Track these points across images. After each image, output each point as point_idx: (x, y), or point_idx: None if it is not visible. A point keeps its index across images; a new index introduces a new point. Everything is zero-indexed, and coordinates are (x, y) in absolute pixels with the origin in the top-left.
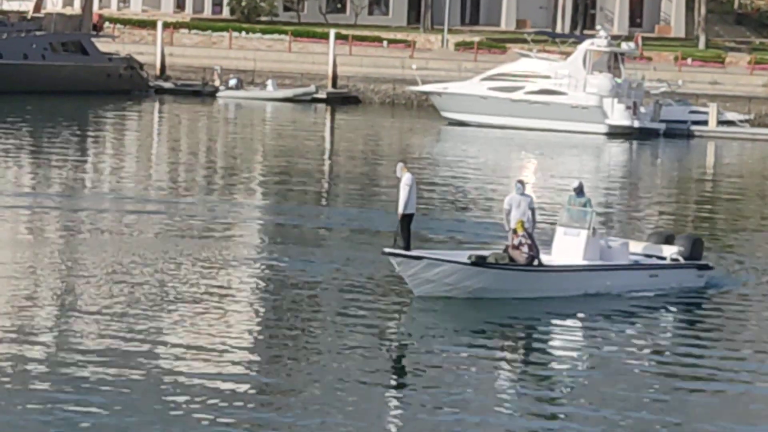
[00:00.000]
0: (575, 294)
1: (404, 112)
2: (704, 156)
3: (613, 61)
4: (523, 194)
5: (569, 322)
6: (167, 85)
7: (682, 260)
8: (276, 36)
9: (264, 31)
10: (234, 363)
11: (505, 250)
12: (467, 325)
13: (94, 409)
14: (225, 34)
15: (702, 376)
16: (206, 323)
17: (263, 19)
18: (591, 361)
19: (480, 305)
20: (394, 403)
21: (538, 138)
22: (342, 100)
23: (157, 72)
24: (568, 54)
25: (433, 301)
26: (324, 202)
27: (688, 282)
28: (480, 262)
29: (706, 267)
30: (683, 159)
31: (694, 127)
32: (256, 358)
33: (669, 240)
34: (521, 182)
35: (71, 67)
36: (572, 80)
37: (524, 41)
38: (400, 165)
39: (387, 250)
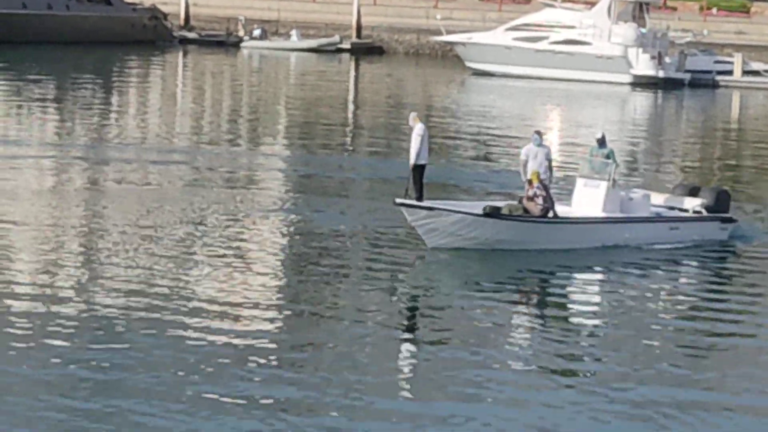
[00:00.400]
0: (592, 246)
1: (428, 63)
2: (729, 106)
3: (638, 11)
4: (540, 145)
5: (585, 274)
6: (191, 35)
7: (704, 212)
8: None
9: None
10: (253, 318)
11: (520, 201)
12: (481, 277)
13: (118, 362)
14: None
15: (720, 331)
16: (227, 275)
17: None
18: (608, 314)
19: (494, 257)
20: (409, 357)
21: (562, 88)
22: (366, 50)
23: (182, 22)
24: (592, 4)
25: (446, 253)
26: (348, 152)
27: (711, 235)
28: (493, 213)
29: (730, 219)
30: (708, 109)
31: (719, 77)
32: (273, 312)
33: (694, 192)
34: (539, 133)
35: (95, 18)
36: (597, 30)
37: None
38: (412, 114)
39: (398, 200)
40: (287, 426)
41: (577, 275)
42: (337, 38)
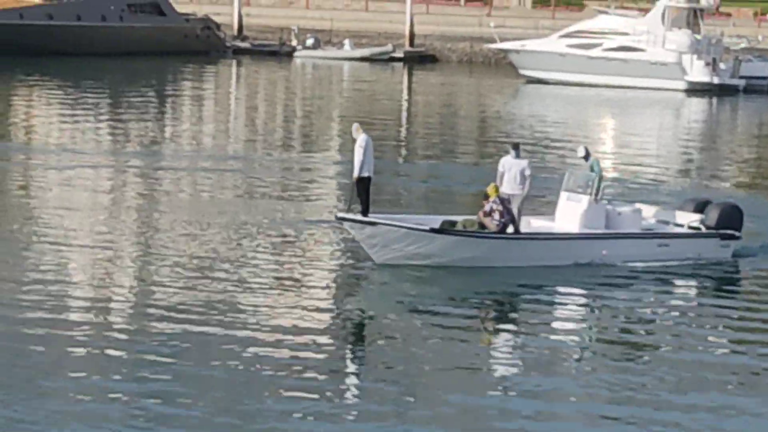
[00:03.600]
0: (563, 264)
1: (482, 71)
2: None
3: (692, 17)
4: (517, 158)
5: (543, 294)
6: (244, 45)
7: (703, 228)
8: None
9: None
10: (285, 331)
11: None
12: (428, 297)
13: (167, 386)
14: None
15: (674, 357)
16: (274, 290)
17: None
18: (552, 336)
19: (446, 275)
20: (355, 380)
21: (616, 95)
22: (419, 58)
23: (235, 32)
24: (646, 10)
25: (395, 270)
26: (401, 160)
27: (709, 253)
28: (440, 228)
29: (731, 236)
30: (763, 116)
31: None
32: (284, 325)
33: (701, 207)
34: (516, 145)
35: (148, 29)
36: (651, 36)
37: None
38: (355, 126)
39: (340, 215)
40: None
41: (535, 295)
42: (389, 47)
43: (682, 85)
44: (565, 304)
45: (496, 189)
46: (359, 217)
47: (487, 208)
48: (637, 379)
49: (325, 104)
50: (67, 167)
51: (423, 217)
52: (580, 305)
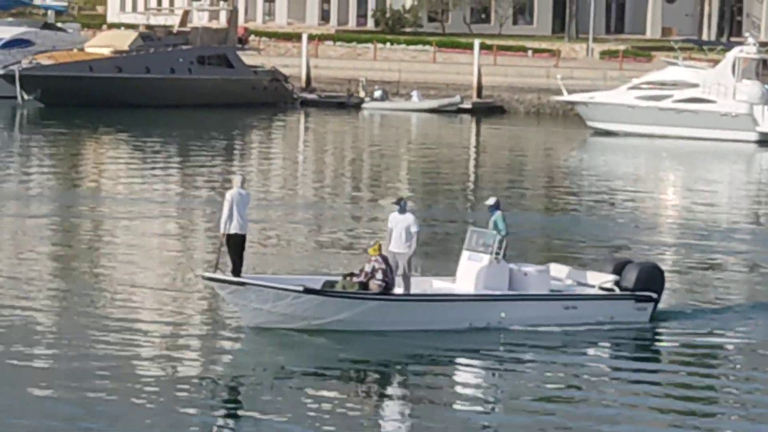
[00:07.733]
0: (456, 327)
1: (549, 122)
2: None
3: (762, 68)
4: (404, 213)
5: (432, 360)
6: (312, 96)
7: (617, 289)
8: (420, 47)
9: (408, 42)
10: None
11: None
12: (305, 363)
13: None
14: (370, 45)
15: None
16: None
17: (408, 30)
18: (441, 407)
19: (329, 339)
20: None
21: (686, 147)
22: (487, 110)
23: (303, 84)
24: (715, 62)
25: (269, 334)
26: (470, 210)
27: (624, 315)
28: (313, 289)
29: (648, 299)
30: None
31: None
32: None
33: (621, 267)
34: (400, 200)
35: (217, 81)
36: (721, 88)
37: (670, 49)
38: (238, 178)
39: (206, 274)
40: None
41: (422, 362)
42: (457, 98)
43: (753, 137)
44: (456, 372)
45: (379, 247)
46: (226, 276)
47: (368, 268)
48: None
49: (393, 156)
50: (137, 217)
51: (307, 277)
52: (471, 372)
